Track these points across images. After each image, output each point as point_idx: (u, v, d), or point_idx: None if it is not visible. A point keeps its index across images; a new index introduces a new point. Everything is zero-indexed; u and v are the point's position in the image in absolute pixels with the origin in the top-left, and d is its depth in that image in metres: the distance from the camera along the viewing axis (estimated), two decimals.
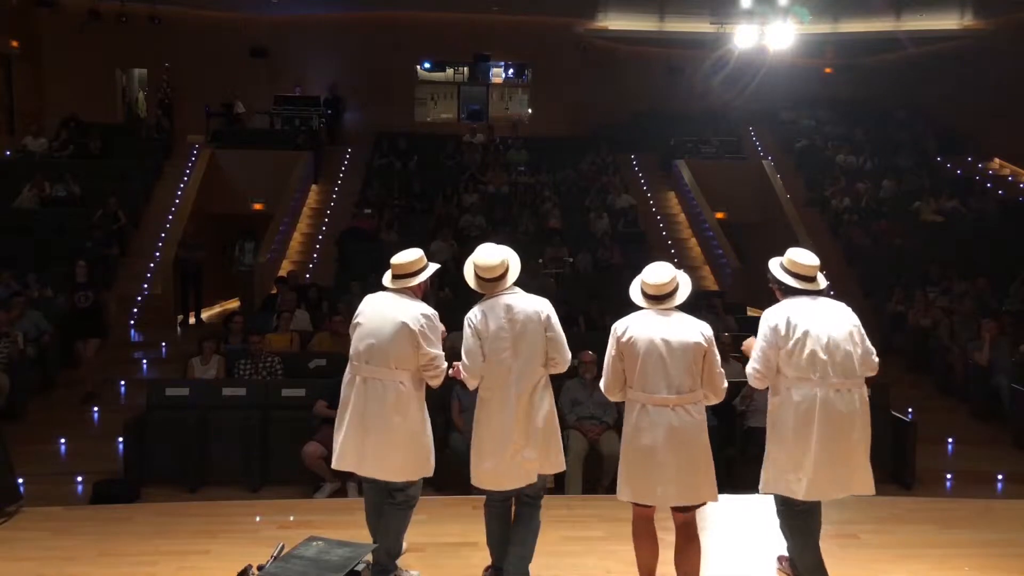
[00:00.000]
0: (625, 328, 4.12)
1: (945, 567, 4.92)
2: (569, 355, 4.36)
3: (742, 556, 5.02)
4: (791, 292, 4.25)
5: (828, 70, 21.70)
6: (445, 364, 4.38)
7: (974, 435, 9.28)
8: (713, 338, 4.14)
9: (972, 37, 18.99)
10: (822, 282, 4.29)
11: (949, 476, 8.10)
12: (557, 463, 4.35)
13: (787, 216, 15.69)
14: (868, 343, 4.21)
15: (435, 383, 4.40)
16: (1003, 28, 18.36)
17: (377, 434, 4.28)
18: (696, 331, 4.09)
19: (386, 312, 4.35)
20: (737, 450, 7.81)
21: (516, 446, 4.18)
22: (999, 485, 7.95)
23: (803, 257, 4.28)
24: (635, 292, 4.24)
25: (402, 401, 4.30)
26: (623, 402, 4.25)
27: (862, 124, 20.17)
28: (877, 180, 17.02)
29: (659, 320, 4.11)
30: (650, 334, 4.06)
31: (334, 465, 4.47)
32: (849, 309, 4.26)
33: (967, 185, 17.38)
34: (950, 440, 9.05)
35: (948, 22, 19.15)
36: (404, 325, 4.27)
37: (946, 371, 10.66)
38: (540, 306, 4.30)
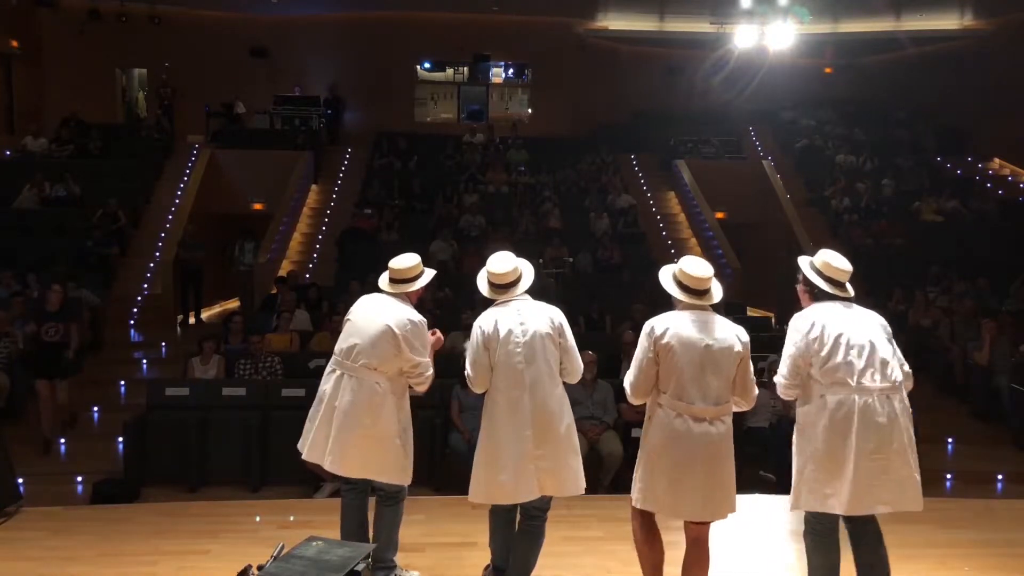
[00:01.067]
0: (665, 329, 3.89)
1: (945, 567, 4.92)
2: (581, 364, 4.28)
3: (741, 556, 5.02)
4: (822, 296, 4.04)
5: (828, 70, 21.69)
6: (431, 371, 4.40)
7: (974, 435, 9.29)
8: (749, 344, 3.99)
9: (972, 37, 18.99)
10: (851, 290, 4.09)
11: (949, 476, 8.10)
12: (577, 483, 4.19)
13: (787, 216, 15.69)
14: (900, 354, 4.02)
15: (420, 389, 4.42)
16: (1003, 28, 18.36)
17: (344, 431, 4.28)
18: (735, 337, 3.92)
19: (374, 314, 4.39)
20: (736, 450, 7.80)
21: (532, 454, 4.08)
22: (999, 485, 7.95)
23: (837, 261, 4.07)
24: (668, 282, 4.04)
25: (375, 402, 4.29)
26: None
27: (862, 124, 20.16)
28: (877, 180, 17.02)
29: (700, 323, 3.91)
30: (692, 339, 3.85)
31: (304, 456, 4.45)
32: (880, 317, 4.08)
33: (967, 185, 17.39)
34: (950, 440, 9.06)
35: (948, 22, 19.15)
36: (388, 328, 4.30)
37: (946, 371, 10.66)
38: (552, 313, 4.26)
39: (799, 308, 4.15)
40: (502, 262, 4.32)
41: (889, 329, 4.05)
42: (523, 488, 4.10)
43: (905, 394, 3.95)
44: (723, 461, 3.92)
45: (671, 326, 3.91)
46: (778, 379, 4.04)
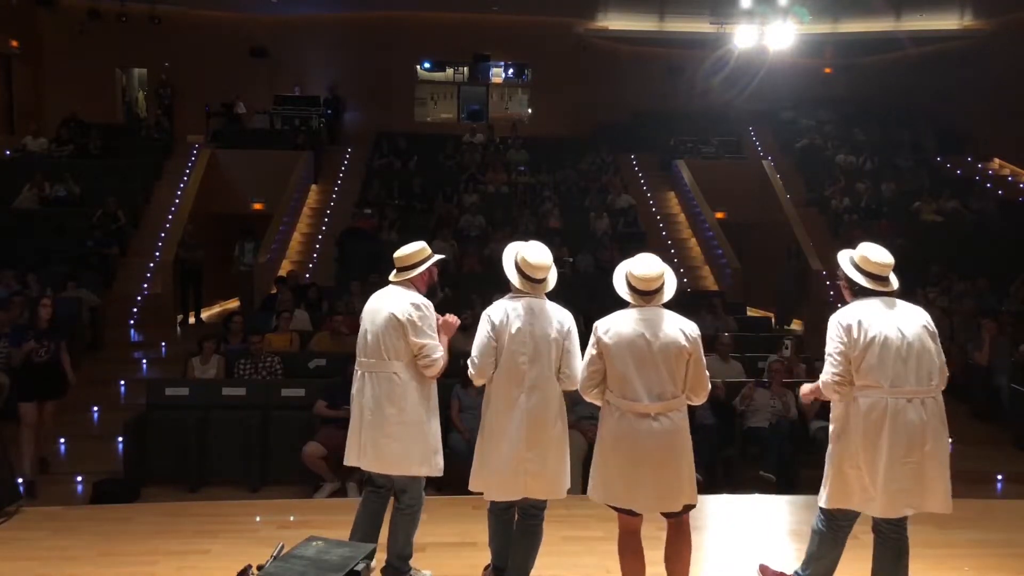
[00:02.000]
0: (607, 328, 3.90)
1: (944, 567, 4.91)
2: (580, 372, 4.16)
3: (740, 556, 5.02)
4: (863, 293, 3.95)
5: (828, 70, 21.70)
6: (439, 354, 4.32)
7: (974, 435, 9.27)
8: (699, 337, 3.91)
9: (972, 37, 19.00)
10: (895, 282, 4.00)
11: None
12: (560, 487, 4.21)
13: (787, 216, 15.69)
14: (942, 354, 3.95)
15: (429, 373, 4.34)
16: (1003, 28, 18.37)
17: (371, 427, 4.29)
18: (680, 332, 3.85)
19: (380, 305, 4.40)
20: (736, 450, 7.82)
21: (521, 455, 4.09)
22: (999, 485, 7.94)
23: (876, 254, 3.96)
24: (620, 283, 3.99)
25: (396, 392, 4.29)
26: None
27: (862, 124, 20.17)
28: (877, 180, 17.02)
29: (644, 321, 3.86)
30: (633, 337, 3.83)
31: (344, 462, 4.47)
32: (925, 314, 3.98)
33: (967, 185, 17.39)
34: (950, 440, 9.03)
35: (948, 22, 19.17)
36: (392, 315, 4.30)
37: None
38: (564, 317, 4.22)
39: (838, 306, 4.06)
40: (543, 255, 4.22)
41: (933, 327, 3.96)
42: (508, 487, 4.13)
43: (940, 397, 3.93)
44: (672, 454, 3.85)
45: (613, 326, 3.91)
46: (827, 377, 3.90)
